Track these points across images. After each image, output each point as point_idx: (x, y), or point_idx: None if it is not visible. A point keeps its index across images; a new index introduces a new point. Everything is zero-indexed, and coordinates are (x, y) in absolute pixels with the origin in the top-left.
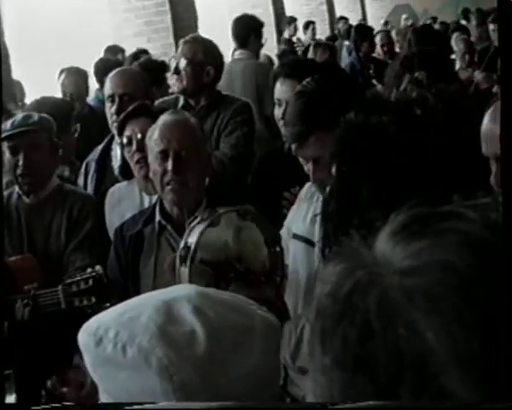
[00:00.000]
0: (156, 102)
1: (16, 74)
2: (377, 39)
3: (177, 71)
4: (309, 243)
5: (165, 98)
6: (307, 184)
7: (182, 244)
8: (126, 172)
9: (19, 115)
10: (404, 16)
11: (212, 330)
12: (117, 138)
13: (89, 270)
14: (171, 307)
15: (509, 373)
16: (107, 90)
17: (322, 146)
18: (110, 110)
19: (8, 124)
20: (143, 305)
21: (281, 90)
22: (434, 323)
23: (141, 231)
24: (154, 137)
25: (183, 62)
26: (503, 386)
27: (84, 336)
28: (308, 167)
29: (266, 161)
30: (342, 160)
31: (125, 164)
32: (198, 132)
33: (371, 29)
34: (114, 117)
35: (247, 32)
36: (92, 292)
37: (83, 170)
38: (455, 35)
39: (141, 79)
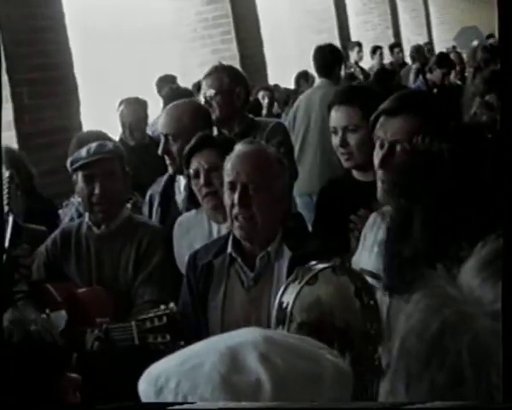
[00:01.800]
0: None
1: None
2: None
3: (207, 104)
4: (376, 277)
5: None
6: (372, 216)
7: (276, 304)
8: (194, 202)
9: (93, 144)
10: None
11: (278, 379)
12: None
13: (162, 307)
14: (237, 354)
15: (509, 373)
16: (161, 127)
17: (405, 129)
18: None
19: (82, 152)
20: (207, 352)
21: (335, 117)
22: None
23: (211, 262)
24: (227, 167)
25: (211, 93)
26: None
27: (145, 384)
28: (380, 153)
29: (329, 189)
30: (400, 189)
31: (192, 193)
32: (273, 164)
33: (451, 60)
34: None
35: (333, 63)
36: (166, 329)
37: (147, 200)
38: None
39: (188, 116)
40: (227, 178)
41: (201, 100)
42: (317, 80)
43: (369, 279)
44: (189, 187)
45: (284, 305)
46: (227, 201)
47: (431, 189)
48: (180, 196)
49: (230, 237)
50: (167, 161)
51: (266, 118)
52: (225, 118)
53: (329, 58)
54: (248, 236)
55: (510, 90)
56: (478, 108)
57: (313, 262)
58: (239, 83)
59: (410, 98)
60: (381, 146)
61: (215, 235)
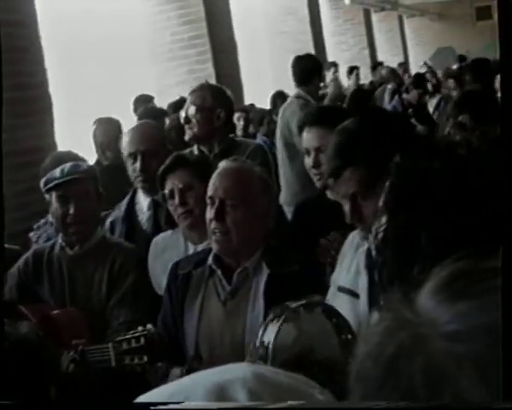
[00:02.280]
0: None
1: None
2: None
3: (187, 120)
4: (354, 294)
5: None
6: (351, 235)
7: (258, 341)
8: (170, 222)
9: (67, 164)
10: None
11: None
12: (140, 193)
13: (140, 328)
14: (225, 390)
15: (509, 373)
16: (127, 147)
17: (357, 182)
18: (132, 166)
19: (56, 172)
20: (194, 387)
21: (307, 138)
22: (484, 392)
23: (190, 273)
24: (210, 183)
25: (192, 110)
26: None
27: None
28: (345, 207)
29: (303, 209)
30: (398, 207)
31: (168, 214)
32: (254, 182)
33: (427, 80)
34: (138, 173)
35: (312, 72)
36: (144, 351)
37: (107, 227)
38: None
39: (157, 132)
40: (208, 194)
41: (182, 115)
42: (295, 90)
43: (348, 297)
44: (166, 208)
45: (265, 344)
46: (207, 215)
47: (433, 203)
48: (144, 215)
49: (212, 251)
50: (140, 178)
51: (246, 139)
52: (204, 136)
53: (309, 67)
54: (224, 250)
55: (510, 91)
56: (451, 129)
57: (290, 301)
58: (222, 103)
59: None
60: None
61: None
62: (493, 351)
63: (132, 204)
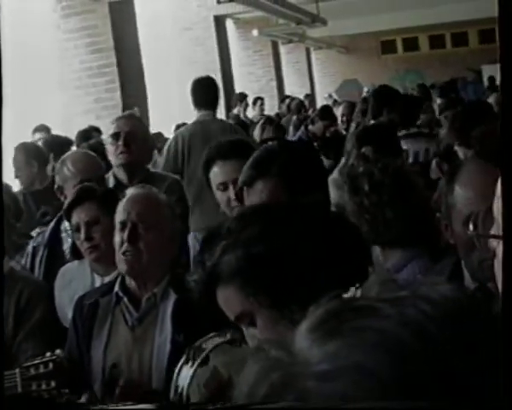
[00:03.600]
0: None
1: None
2: (339, 110)
3: (117, 145)
4: None
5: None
6: None
7: (172, 388)
8: (76, 252)
9: None
10: (365, 89)
11: None
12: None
13: (48, 354)
14: None
15: (509, 373)
16: (66, 174)
17: (268, 193)
18: (62, 195)
19: None
20: None
21: (223, 171)
22: None
23: (97, 301)
24: (119, 209)
25: (122, 136)
26: None
27: None
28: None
29: (210, 239)
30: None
31: (74, 244)
32: (162, 208)
33: (333, 113)
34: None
35: (215, 95)
36: (52, 376)
37: (29, 252)
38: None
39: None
40: (118, 219)
41: (107, 142)
42: (203, 112)
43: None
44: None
45: (179, 390)
46: (117, 239)
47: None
48: (68, 243)
49: (118, 279)
50: None
51: (162, 172)
52: (125, 164)
53: (212, 90)
54: (133, 270)
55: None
56: (355, 160)
57: (203, 339)
58: (145, 134)
59: (264, 163)
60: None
61: None
62: (360, 389)
63: (57, 230)
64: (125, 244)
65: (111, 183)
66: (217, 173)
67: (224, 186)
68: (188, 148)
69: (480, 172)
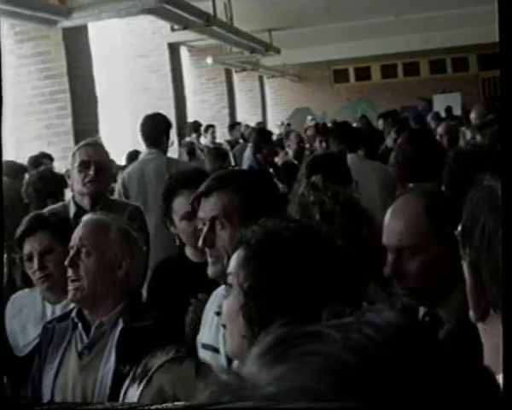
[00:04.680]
0: (45, 210)
1: None
2: (291, 138)
3: (84, 172)
4: (215, 350)
5: (54, 206)
6: (214, 292)
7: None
8: (26, 281)
9: None
10: (309, 117)
11: None
12: None
13: None
14: None
15: (509, 373)
16: None
17: (221, 206)
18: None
19: None
20: None
21: (184, 202)
22: None
23: (54, 326)
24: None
25: (93, 163)
26: None
27: None
28: (201, 236)
29: (162, 269)
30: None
31: (24, 273)
32: (111, 233)
33: (270, 133)
34: None
35: (160, 132)
36: None
37: None
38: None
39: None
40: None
41: (75, 165)
42: (146, 150)
43: (210, 353)
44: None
45: None
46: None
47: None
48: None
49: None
50: None
51: (123, 200)
52: (92, 193)
53: (157, 127)
54: (76, 299)
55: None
56: (305, 189)
57: (147, 358)
58: (110, 163)
59: (224, 177)
60: (204, 225)
61: (49, 315)
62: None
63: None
64: (68, 269)
65: (72, 210)
66: (183, 203)
67: (190, 215)
68: (124, 189)
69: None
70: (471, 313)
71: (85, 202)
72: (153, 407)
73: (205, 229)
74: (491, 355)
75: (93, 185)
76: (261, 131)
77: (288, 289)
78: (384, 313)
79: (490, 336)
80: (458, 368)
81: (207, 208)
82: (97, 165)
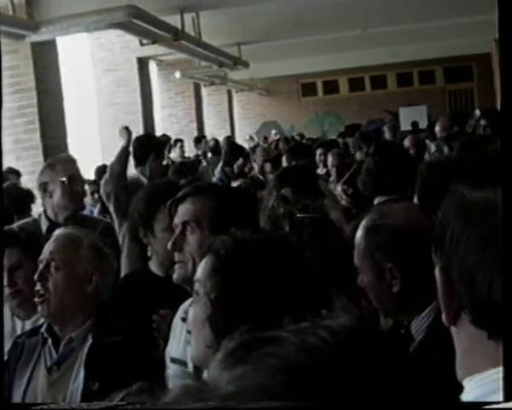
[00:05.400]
0: (14, 225)
1: None
2: (257, 153)
3: (65, 186)
4: (183, 364)
5: (23, 221)
6: (181, 306)
7: None
8: None
9: None
10: (273, 131)
11: None
12: None
13: None
14: None
15: (510, 373)
16: None
17: (193, 211)
18: None
19: None
20: None
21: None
22: None
23: (24, 341)
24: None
25: (68, 179)
26: None
27: None
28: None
29: (125, 284)
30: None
31: None
32: (81, 247)
33: (243, 147)
34: None
35: (146, 153)
36: None
37: None
38: (319, 151)
39: None
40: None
41: (57, 183)
42: (134, 170)
43: (178, 367)
44: None
45: None
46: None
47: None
48: None
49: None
50: None
51: (94, 216)
52: (79, 207)
53: (143, 148)
54: (43, 311)
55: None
56: (275, 202)
57: (113, 395)
58: (82, 179)
59: (200, 186)
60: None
61: (18, 331)
62: (262, 408)
63: None
64: (36, 283)
65: (44, 224)
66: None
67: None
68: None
69: None
70: (443, 316)
71: (61, 217)
72: (130, 407)
73: (176, 232)
74: (463, 358)
75: (79, 202)
76: (233, 145)
77: (255, 300)
78: (340, 318)
79: (461, 339)
80: (409, 369)
81: (180, 213)
82: (81, 181)
